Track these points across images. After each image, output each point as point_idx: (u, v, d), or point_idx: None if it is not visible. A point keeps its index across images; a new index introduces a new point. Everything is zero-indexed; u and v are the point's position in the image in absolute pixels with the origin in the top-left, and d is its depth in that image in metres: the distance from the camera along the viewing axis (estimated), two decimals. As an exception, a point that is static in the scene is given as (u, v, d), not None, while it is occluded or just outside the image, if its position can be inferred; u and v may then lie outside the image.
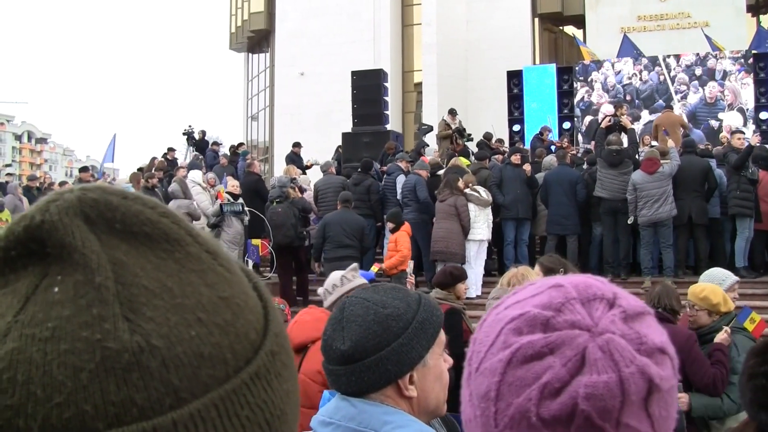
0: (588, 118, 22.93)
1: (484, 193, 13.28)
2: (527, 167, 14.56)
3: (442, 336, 2.16)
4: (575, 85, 23.95)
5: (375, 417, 2.01)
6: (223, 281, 0.68)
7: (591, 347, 0.92)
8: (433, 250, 12.89)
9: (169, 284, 0.64)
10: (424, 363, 2.08)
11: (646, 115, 22.95)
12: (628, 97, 23.37)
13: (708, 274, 6.37)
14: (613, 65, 23.99)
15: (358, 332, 2.03)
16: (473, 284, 12.54)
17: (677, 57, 23.27)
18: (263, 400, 0.67)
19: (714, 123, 21.97)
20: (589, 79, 23.94)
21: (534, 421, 0.91)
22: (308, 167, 19.68)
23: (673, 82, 23.07)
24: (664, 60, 23.26)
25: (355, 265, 4.97)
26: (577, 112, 23.52)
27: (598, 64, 24.27)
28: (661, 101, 22.63)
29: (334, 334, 2.07)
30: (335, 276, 4.64)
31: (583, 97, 23.73)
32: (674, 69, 23.12)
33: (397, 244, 12.31)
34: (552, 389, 0.91)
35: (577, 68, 24.29)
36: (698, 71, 22.81)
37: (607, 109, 21.83)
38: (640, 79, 23.48)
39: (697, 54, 23.23)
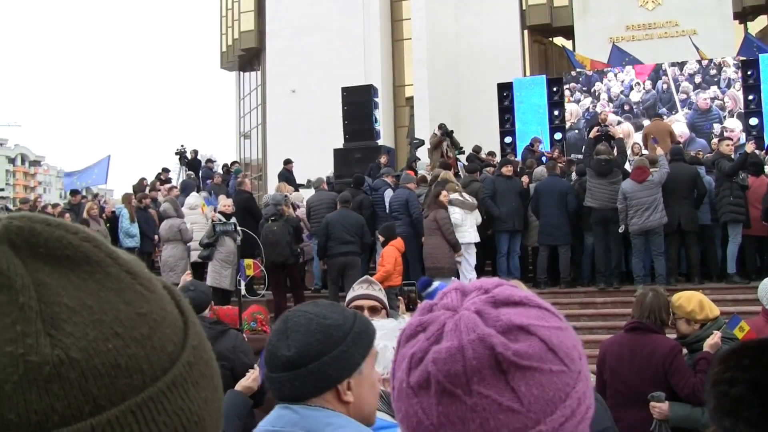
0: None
1: (468, 197, 13.30)
2: (525, 179, 14.59)
3: (375, 349, 2.34)
4: (579, 96, 23.96)
5: (317, 420, 2.15)
6: (141, 299, 0.73)
7: (448, 322, 1.01)
8: (426, 267, 12.87)
9: (89, 302, 0.69)
10: (360, 371, 2.25)
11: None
12: (626, 107, 23.43)
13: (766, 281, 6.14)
14: (616, 75, 24.03)
15: (303, 340, 2.18)
16: None
17: (681, 65, 23.29)
18: (180, 407, 0.72)
19: (716, 130, 21.88)
20: (592, 90, 23.98)
21: (407, 390, 1.02)
22: (306, 186, 19.70)
23: (677, 90, 23.09)
24: (668, 68, 23.29)
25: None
26: (582, 123, 23.46)
27: (602, 74, 24.31)
28: (664, 110, 22.74)
29: (279, 343, 2.20)
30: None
31: (588, 107, 23.72)
32: (677, 78, 23.14)
33: (383, 258, 12.32)
34: (416, 360, 1.01)
35: (581, 78, 24.30)
36: (697, 79, 22.84)
37: (624, 127, 22.06)
38: (644, 88, 23.50)
39: (699, 62, 23.27)
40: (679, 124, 22.41)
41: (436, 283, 6.42)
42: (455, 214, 12.97)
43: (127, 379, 0.69)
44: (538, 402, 0.97)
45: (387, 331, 2.90)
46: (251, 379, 5.10)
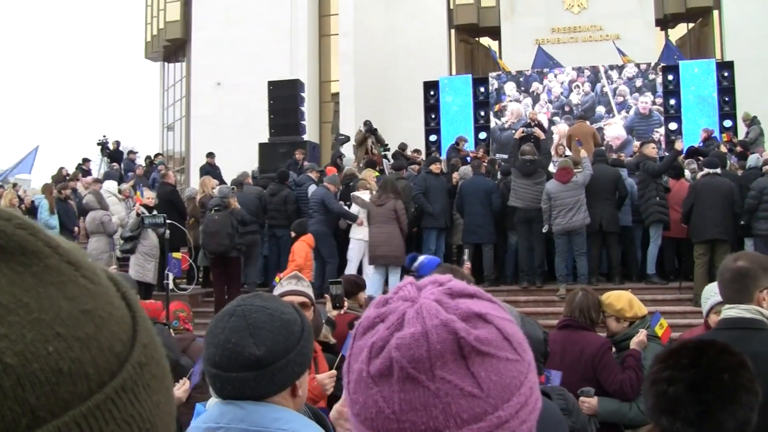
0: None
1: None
2: (455, 176, 14.68)
3: None
4: (517, 95, 24.23)
5: (264, 416, 2.11)
6: (86, 293, 0.65)
7: (409, 311, 1.03)
8: (376, 255, 12.91)
9: (25, 299, 0.61)
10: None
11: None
12: (566, 108, 23.74)
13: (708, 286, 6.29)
14: (555, 76, 24.33)
15: (270, 337, 2.14)
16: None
17: (620, 69, 23.70)
18: (130, 414, 0.65)
19: (656, 135, 22.23)
20: (531, 90, 24.24)
21: (367, 380, 1.03)
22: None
23: (614, 94, 23.47)
24: (606, 72, 23.68)
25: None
26: (519, 125, 23.65)
27: (542, 75, 24.59)
28: (603, 112, 23.12)
29: (243, 341, 2.13)
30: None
31: (525, 109, 23.92)
32: (616, 81, 23.53)
33: (294, 254, 12.44)
34: (377, 348, 1.03)
35: (521, 79, 24.55)
36: (638, 83, 23.27)
37: (561, 128, 22.32)
38: (582, 90, 23.83)
39: (638, 65, 23.69)
40: (616, 126, 22.85)
41: (421, 257, 6.58)
42: (358, 211, 13.42)
43: (70, 387, 0.61)
44: (496, 388, 1.00)
45: None
46: (182, 390, 4.96)
